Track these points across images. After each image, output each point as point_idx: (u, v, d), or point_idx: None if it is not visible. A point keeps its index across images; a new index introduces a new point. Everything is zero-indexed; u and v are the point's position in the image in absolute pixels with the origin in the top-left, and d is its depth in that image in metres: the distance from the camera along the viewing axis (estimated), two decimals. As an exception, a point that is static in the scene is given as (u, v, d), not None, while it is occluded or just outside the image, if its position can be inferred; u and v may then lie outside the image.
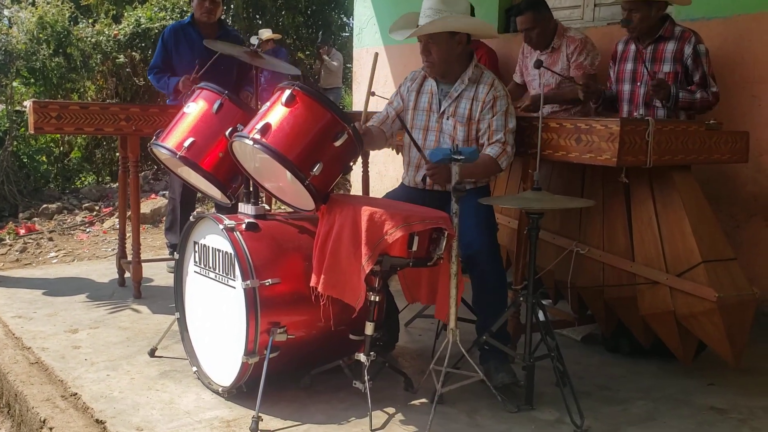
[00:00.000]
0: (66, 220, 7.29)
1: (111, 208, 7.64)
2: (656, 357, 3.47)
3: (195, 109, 3.21)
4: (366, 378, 2.75)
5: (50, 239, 6.48)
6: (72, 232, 6.88)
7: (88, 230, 6.95)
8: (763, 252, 4.11)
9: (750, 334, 3.12)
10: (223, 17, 4.96)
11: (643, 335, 3.37)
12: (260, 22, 12.64)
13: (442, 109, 3.28)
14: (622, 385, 3.24)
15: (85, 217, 7.39)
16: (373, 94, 3.27)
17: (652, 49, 3.81)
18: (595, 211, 3.43)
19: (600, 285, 3.40)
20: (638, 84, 3.88)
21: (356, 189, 7.24)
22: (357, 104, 7.28)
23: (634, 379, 3.31)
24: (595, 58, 4.30)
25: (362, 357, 2.80)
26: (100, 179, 9.23)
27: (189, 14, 4.84)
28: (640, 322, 3.30)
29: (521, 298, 2.92)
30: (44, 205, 7.51)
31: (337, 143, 2.76)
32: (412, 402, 2.96)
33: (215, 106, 3.15)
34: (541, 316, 2.89)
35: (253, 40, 3.62)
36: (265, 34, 9.25)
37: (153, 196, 8.01)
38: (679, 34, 3.75)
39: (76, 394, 2.98)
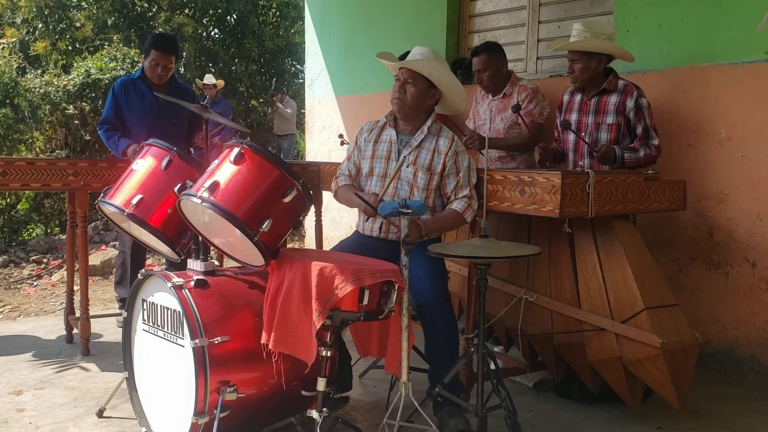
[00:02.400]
0: (12, 273, 7.11)
1: (60, 260, 7.48)
2: (606, 402, 3.53)
3: (143, 165, 3.21)
4: (318, 434, 2.73)
5: (-5, 294, 6.31)
6: (19, 286, 6.71)
7: (35, 284, 6.79)
8: (704, 295, 4.23)
9: (694, 377, 3.20)
10: (181, 71, 4.98)
11: (592, 381, 3.43)
12: (213, 70, 12.70)
13: (401, 157, 3.35)
14: (574, 432, 3.28)
15: (33, 270, 7.22)
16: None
17: (596, 101, 3.96)
18: (542, 259, 3.50)
19: (549, 332, 3.46)
20: (582, 134, 4.01)
21: (310, 236, 7.25)
22: (310, 152, 7.33)
23: (586, 425, 3.36)
24: (544, 109, 4.43)
25: (315, 414, 2.78)
26: (48, 230, 9.04)
27: (139, 67, 4.84)
28: (589, 368, 3.36)
29: (472, 348, 2.96)
30: (-11, 259, 7.32)
31: (287, 199, 2.79)
32: (366, 457, 2.95)
33: (164, 162, 3.16)
34: (492, 365, 2.93)
35: (207, 79, 3.63)
36: (209, 79, 9.31)
37: (103, 247, 7.89)
38: (622, 88, 3.90)
39: (20, 460, 2.90)
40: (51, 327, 5.01)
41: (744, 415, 3.53)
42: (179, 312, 2.81)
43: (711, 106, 4.18)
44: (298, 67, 14.46)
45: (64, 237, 8.48)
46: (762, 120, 3.98)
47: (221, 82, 9.93)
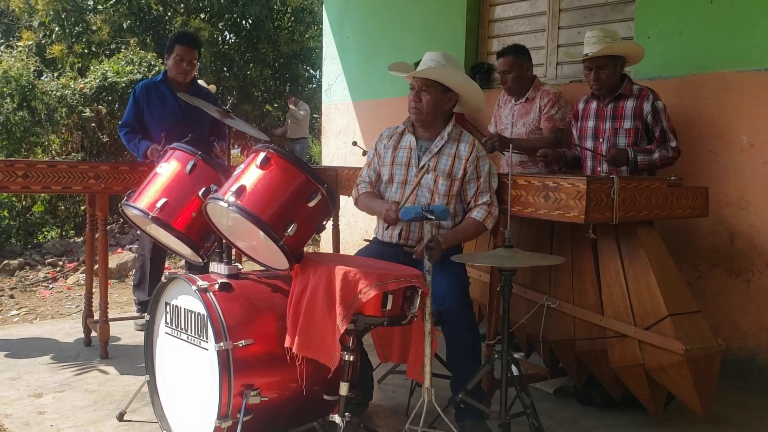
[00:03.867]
0: (28, 276, 7.15)
1: (75, 263, 7.52)
2: (627, 409, 3.51)
3: (168, 169, 3.22)
4: (341, 439, 2.73)
5: (11, 296, 6.34)
6: (34, 288, 6.74)
7: (51, 286, 6.81)
8: (725, 302, 4.21)
9: (717, 384, 3.18)
10: (196, 75, 5.00)
11: (614, 387, 3.41)
12: (228, 75, 12.75)
13: (422, 164, 3.34)
14: (596, 439, 3.26)
15: (48, 272, 7.26)
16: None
17: (613, 107, 3.95)
18: (565, 265, 3.49)
19: (571, 338, 3.44)
20: (600, 140, 4.00)
21: (326, 241, 7.25)
22: (326, 157, 7.34)
23: (607, 432, 3.34)
24: (566, 114, 4.42)
25: (337, 418, 2.77)
26: (63, 233, 9.09)
27: (161, 71, 4.86)
28: (611, 374, 3.34)
29: (495, 355, 2.94)
30: (5, 261, 7.34)
31: (311, 204, 2.80)
32: (388, 462, 2.95)
33: (188, 166, 3.17)
34: (514, 371, 2.92)
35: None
36: (201, 84, 9.33)
37: (119, 250, 7.91)
38: (638, 92, 3.89)
39: (43, 462, 2.91)
40: (68, 330, 5.03)
41: (766, 422, 3.50)
42: (204, 315, 2.82)
43: (733, 112, 4.16)
44: (312, 72, 14.50)
45: (79, 240, 8.54)
46: (785, 127, 3.96)
47: (213, 87, 9.97)
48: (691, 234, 4.33)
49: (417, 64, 3.59)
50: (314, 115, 13.44)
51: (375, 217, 3.53)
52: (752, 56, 4.06)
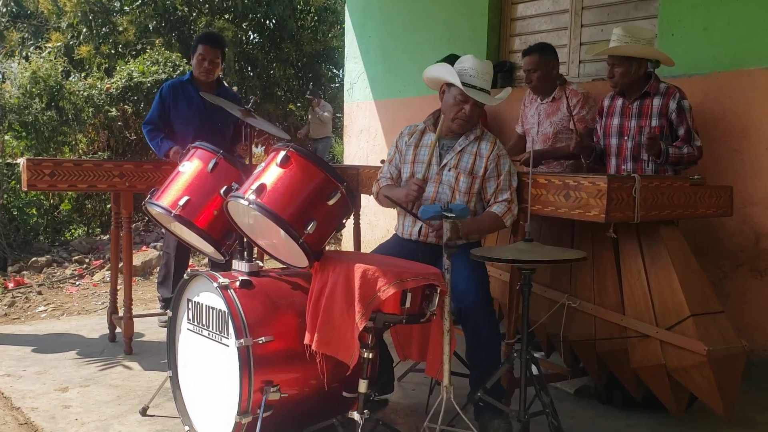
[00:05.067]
0: (55, 273, 7.26)
1: (101, 260, 7.63)
2: (649, 409, 3.48)
3: (190, 168, 3.26)
4: (360, 436, 2.74)
5: (39, 293, 6.45)
6: (61, 285, 6.84)
7: (77, 283, 6.92)
8: (750, 302, 4.16)
9: (740, 386, 3.14)
10: (221, 75, 5.05)
11: (635, 388, 3.38)
12: (251, 74, 12.84)
13: (444, 162, 3.35)
14: (616, 440, 3.24)
15: (75, 270, 7.37)
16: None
17: (639, 105, 3.92)
18: (586, 264, 3.47)
19: (592, 338, 3.42)
20: (625, 138, 3.97)
21: (347, 239, 7.28)
22: (348, 156, 7.37)
23: (628, 433, 3.32)
24: (595, 113, 4.39)
25: (356, 415, 2.78)
26: (90, 231, 9.22)
27: (187, 71, 4.92)
28: (632, 374, 3.32)
29: (515, 354, 2.94)
30: (33, 258, 7.48)
31: (331, 202, 2.82)
32: (407, 460, 2.95)
33: (210, 165, 3.21)
34: (534, 370, 2.91)
35: None
36: None
37: (144, 248, 8.01)
38: (664, 90, 3.86)
39: (67, 455, 2.96)
40: (94, 326, 5.10)
41: (792, 426, 3.45)
42: (224, 312, 2.85)
43: (758, 110, 4.11)
44: (335, 71, 14.54)
45: (105, 237, 8.65)
46: (812, 125, 3.90)
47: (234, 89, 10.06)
48: (716, 234, 4.28)
49: (448, 61, 3.57)
50: (337, 114, 13.49)
51: (396, 215, 3.54)
52: (779, 53, 4.01)
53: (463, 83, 3.24)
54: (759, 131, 4.11)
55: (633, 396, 3.44)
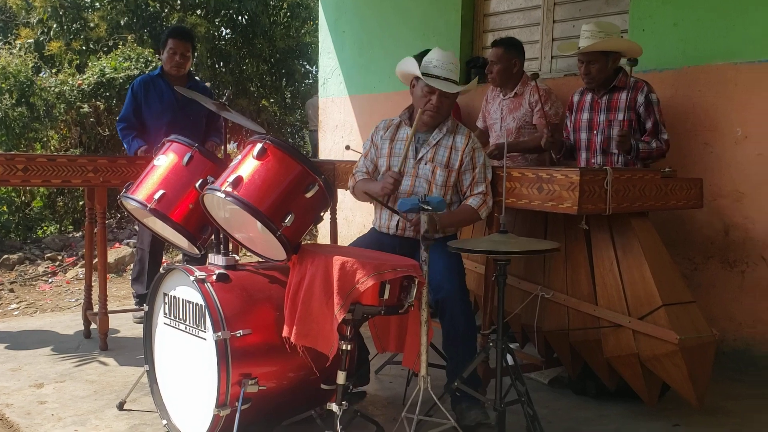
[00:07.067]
0: (28, 270, 7.17)
1: (74, 257, 7.55)
2: (622, 399, 3.54)
3: (165, 161, 3.25)
4: (338, 428, 2.75)
5: (11, 290, 6.37)
6: (34, 282, 6.76)
7: (50, 281, 6.84)
8: (719, 293, 4.24)
9: (712, 375, 3.21)
10: (192, 70, 5.03)
11: (609, 377, 3.44)
12: (224, 70, 12.75)
13: (419, 156, 3.37)
14: (590, 428, 3.29)
15: (48, 267, 7.28)
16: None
17: (607, 99, 3.98)
18: (559, 256, 3.52)
19: (565, 328, 3.47)
20: (594, 132, 4.03)
21: (323, 235, 7.27)
22: (324, 151, 7.37)
23: (602, 422, 3.37)
24: (558, 109, 4.47)
25: (334, 407, 2.80)
26: (62, 228, 9.11)
27: (158, 66, 4.90)
28: (605, 364, 3.37)
29: (491, 344, 2.98)
30: (5, 256, 7.37)
31: (309, 195, 2.83)
32: (385, 450, 2.97)
33: (185, 158, 3.20)
34: (510, 360, 2.95)
35: None
36: None
37: (117, 245, 7.93)
38: (633, 84, 3.92)
39: (43, 451, 2.93)
40: (68, 322, 5.06)
41: (760, 413, 3.53)
42: (201, 305, 2.84)
43: (727, 104, 4.19)
44: (308, 67, 14.48)
45: (78, 235, 8.55)
46: (779, 119, 3.99)
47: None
48: (686, 226, 4.36)
49: (419, 57, 3.60)
50: (309, 111, 13.46)
51: (373, 211, 3.56)
52: (747, 48, 4.09)
53: (428, 74, 3.28)
54: (727, 125, 4.19)
55: (606, 386, 3.50)
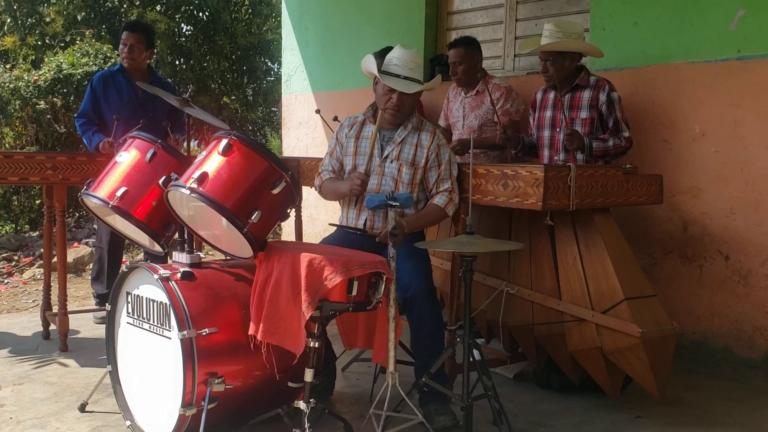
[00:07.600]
0: (-18, 271, 6.98)
1: (31, 257, 7.37)
2: (586, 392, 3.59)
3: (127, 158, 3.19)
4: (306, 425, 2.74)
5: (-35, 292, 6.20)
6: (-12, 283, 6.59)
7: (6, 281, 6.67)
8: (679, 287, 4.33)
9: (672, 367, 3.28)
10: (153, 65, 4.96)
11: (572, 371, 3.49)
12: (184, 67, 12.59)
13: (385, 154, 3.37)
14: (555, 421, 3.33)
15: (3, 267, 7.10)
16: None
17: (570, 97, 4.04)
18: (523, 252, 3.56)
19: (530, 323, 3.51)
20: (557, 130, 4.08)
21: (288, 233, 7.23)
22: (287, 148, 7.32)
23: (566, 415, 3.42)
24: (519, 106, 4.52)
25: (302, 404, 2.79)
26: (18, 228, 8.89)
27: (118, 62, 4.83)
28: (569, 358, 3.42)
29: (458, 339, 2.99)
30: (-42, 257, 7.18)
31: (275, 191, 2.81)
32: (353, 447, 2.97)
33: (148, 155, 3.15)
34: (476, 355, 2.97)
35: None
36: None
37: (76, 244, 7.77)
38: (594, 83, 3.99)
39: (2, 455, 2.87)
40: (26, 324, 4.94)
41: (718, 404, 3.62)
42: (166, 304, 2.80)
43: (685, 102, 4.28)
44: (270, 64, 14.37)
45: (34, 234, 8.36)
46: (734, 116, 4.09)
47: None
48: (647, 221, 4.44)
49: (382, 53, 3.60)
50: (273, 109, 13.37)
51: (339, 207, 3.55)
52: (703, 48, 4.18)
53: (387, 73, 3.27)
54: (686, 123, 4.28)
55: (570, 379, 3.55)
